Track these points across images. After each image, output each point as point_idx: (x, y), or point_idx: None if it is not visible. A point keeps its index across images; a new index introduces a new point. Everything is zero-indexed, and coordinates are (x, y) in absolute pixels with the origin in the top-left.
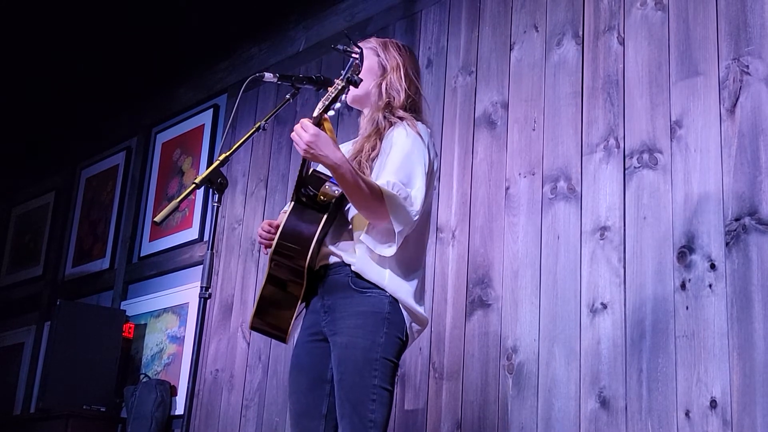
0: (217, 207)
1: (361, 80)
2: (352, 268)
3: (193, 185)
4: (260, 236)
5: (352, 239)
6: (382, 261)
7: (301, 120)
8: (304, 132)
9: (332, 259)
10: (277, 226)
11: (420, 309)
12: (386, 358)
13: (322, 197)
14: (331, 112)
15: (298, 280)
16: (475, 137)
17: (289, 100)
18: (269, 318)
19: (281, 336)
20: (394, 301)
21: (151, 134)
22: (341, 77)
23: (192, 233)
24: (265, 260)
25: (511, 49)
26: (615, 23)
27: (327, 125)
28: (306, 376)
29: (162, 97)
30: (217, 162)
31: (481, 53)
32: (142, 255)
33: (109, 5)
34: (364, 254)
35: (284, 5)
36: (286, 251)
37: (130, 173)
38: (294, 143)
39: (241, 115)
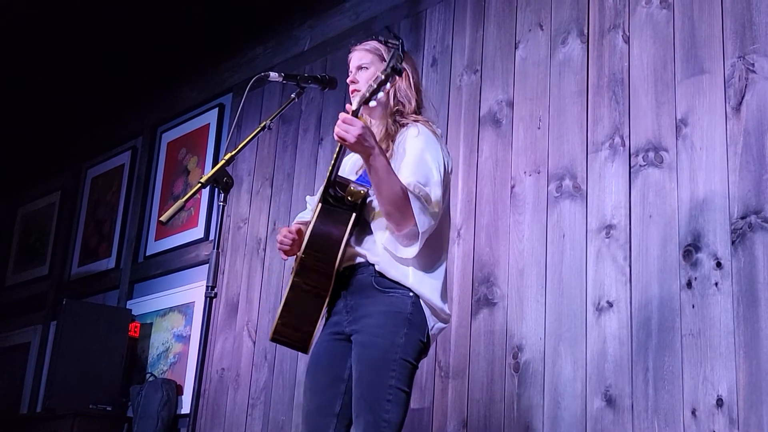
0: (223, 206)
1: (405, 69)
2: (376, 267)
3: (199, 184)
4: (281, 243)
5: (373, 240)
6: (404, 259)
7: (343, 114)
8: (350, 125)
9: (357, 260)
10: (296, 232)
11: (444, 305)
12: (405, 360)
13: (349, 197)
14: (373, 103)
15: (326, 282)
16: (480, 136)
17: (294, 99)
18: (292, 329)
19: (303, 347)
20: (417, 302)
21: (156, 134)
22: (384, 68)
23: (197, 232)
24: (270, 260)
25: (516, 48)
26: (620, 21)
27: (363, 118)
28: (323, 374)
29: (167, 96)
30: (223, 161)
31: (486, 52)
32: (147, 254)
33: (114, 5)
34: (386, 253)
35: (289, 5)
36: (316, 253)
37: (135, 173)
38: (338, 136)
39: (247, 114)
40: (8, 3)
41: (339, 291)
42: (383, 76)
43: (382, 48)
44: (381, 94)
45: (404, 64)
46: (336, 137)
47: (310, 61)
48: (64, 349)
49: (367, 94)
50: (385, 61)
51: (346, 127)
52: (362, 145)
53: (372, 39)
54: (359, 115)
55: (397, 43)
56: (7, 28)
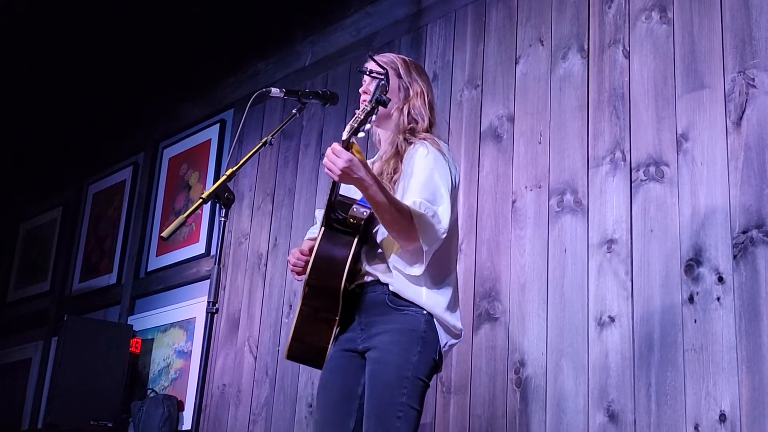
0: (224, 221)
1: (389, 100)
2: (390, 288)
3: (200, 200)
4: (293, 265)
5: (384, 260)
6: (417, 280)
7: (333, 145)
8: (337, 158)
9: (368, 278)
10: (308, 251)
11: (456, 322)
12: (418, 378)
13: (351, 219)
14: (362, 134)
15: (334, 303)
16: (481, 150)
17: (295, 114)
18: (306, 346)
19: (318, 362)
20: (430, 320)
21: (158, 149)
22: (369, 99)
23: (199, 248)
24: (272, 276)
25: (516, 63)
26: (620, 37)
27: (355, 147)
28: (335, 389)
29: (169, 112)
30: (224, 177)
31: (486, 67)
32: (149, 270)
33: (116, 21)
34: (399, 274)
35: (290, 21)
36: (321, 275)
37: (137, 188)
38: (326, 169)
39: (248, 129)
40: (8, 4)
41: (352, 308)
42: (369, 108)
43: (398, 61)
44: (368, 125)
45: (420, 81)
46: (324, 169)
47: (311, 77)
48: (65, 365)
49: (356, 125)
50: (401, 78)
51: (333, 159)
52: (350, 177)
53: (389, 52)
54: (350, 144)
55: (382, 74)
56: (7, 27)
